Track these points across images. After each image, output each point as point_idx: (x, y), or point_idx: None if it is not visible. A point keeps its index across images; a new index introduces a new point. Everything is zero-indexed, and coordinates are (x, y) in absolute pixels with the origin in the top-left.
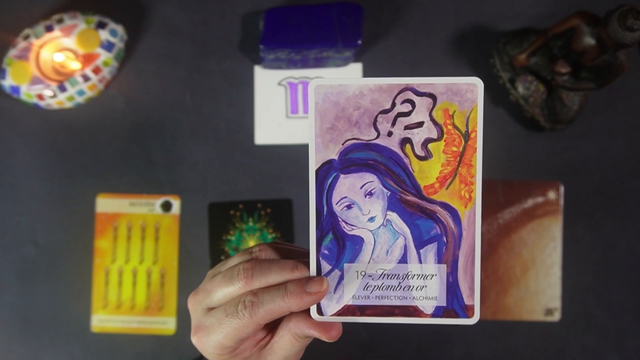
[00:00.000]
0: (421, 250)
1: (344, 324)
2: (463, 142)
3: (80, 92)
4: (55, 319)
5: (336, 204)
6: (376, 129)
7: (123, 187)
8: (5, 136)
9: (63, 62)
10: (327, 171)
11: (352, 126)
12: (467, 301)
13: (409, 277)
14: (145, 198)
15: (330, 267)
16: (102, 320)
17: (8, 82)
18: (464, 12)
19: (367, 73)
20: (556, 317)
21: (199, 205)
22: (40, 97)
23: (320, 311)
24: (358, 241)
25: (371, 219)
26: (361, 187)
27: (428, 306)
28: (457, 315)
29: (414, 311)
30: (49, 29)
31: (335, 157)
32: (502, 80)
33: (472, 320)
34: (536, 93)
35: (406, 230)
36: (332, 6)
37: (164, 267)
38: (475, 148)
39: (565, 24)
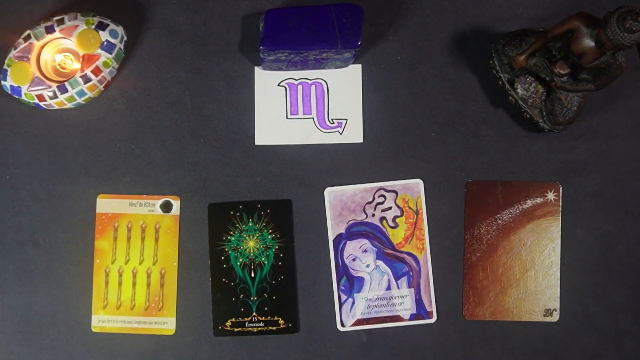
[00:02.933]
0: (398, 281)
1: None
2: (415, 217)
3: (81, 93)
4: (55, 319)
5: (346, 258)
6: (365, 213)
7: (123, 188)
8: (5, 136)
9: (63, 63)
10: (340, 240)
11: (351, 212)
12: (428, 308)
13: (393, 298)
14: (145, 199)
15: (346, 297)
16: (102, 321)
17: (9, 82)
18: (464, 13)
19: (367, 74)
20: (555, 317)
21: (199, 205)
22: (41, 97)
23: (342, 324)
24: (361, 280)
25: (367, 266)
26: (360, 247)
27: (406, 314)
28: (422, 318)
29: (397, 318)
30: (50, 30)
31: (344, 231)
32: (501, 81)
33: (432, 320)
34: (535, 94)
35: (388, 270)
36: (332, 7)
37: (163, 268)
38: (423, 219)
39: (564, 26)
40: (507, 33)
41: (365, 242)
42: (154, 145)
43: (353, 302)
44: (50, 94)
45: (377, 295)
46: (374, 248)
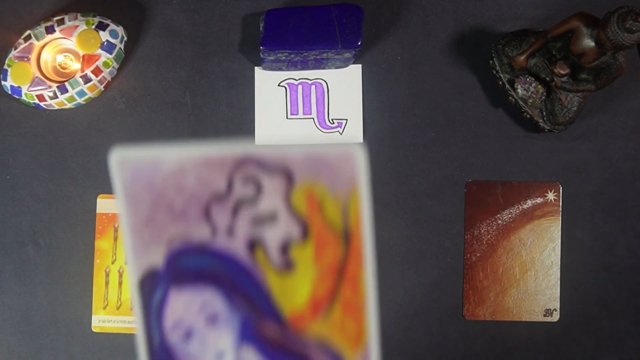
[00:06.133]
0: None
1: None
2: (342, 247)
3: (81, 93)
4: (56, 319)
5: (172, 330)
6: (211, 224)
7: None
8: (5, 137)
9: (64, 63)
10: (153, 284)
11: (176, 218)
12: None
13: None
14: None
15: None
16: (102, 321)
17: (9, 82)
18: (464, 13)
19: (367, 74)
20: (555, 317)
21: None
22: (41, 97)
23: None
24: None
25: (220, 356)
26: (200, 309)
27: None
28: None
29: None
30: (50, 30)
31: (161, 263)
32: (501, 81)
33: None
34: (535, 94)
35: None
36: (332, 7)
37: None
38: (363, 256)
39: (564, 26)
40: (507, 33)
41: (212, 298)
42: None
43: None
44: (51, 94)
45: None
46: (233, 314)
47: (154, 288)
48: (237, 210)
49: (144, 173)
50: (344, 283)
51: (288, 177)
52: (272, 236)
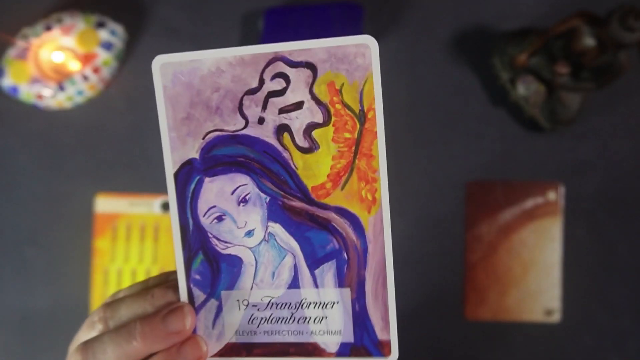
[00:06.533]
0: (316, 271)
1: None
2: (358, 126)
3: (80, 92)
4: (54, 319)
5: (204, 215)
6: (243, 116)
7: (122, 187)
8: (4, 136)
9: (62, 62)
10: (188, 174)
11: (212, 114)
12: (380, 335)
13: (304, 306)
14: (144, 198)
15: (204, 297)
16: None
17: (7, 81)
18: (464, 12)
19: None
20: (556, 317)
21: None
22: (40, 97)
23: None
24: (236, 262)
25: (249, 233)
26: (232, 193)
27: (331, 343)
28: (369, 354)
29: (313, 350)
30: (48, 28)
31: (196, 155)
32: (502, 80)
33: (389, 358)
34: (536, 93)
35: (294, 245)
36: (331, 6)
37: (163, 268)
38: (376, 132)
39: (565, 25)
40: (508, 32)
41: (244, 182)
42: (153, 145)
43: (219, 308)
44: (49, 93)
45: (271, 298)
46: (263, 195)
47: (189, 178)
48: (267, 103)
49: (183, 75)
50: (360, 157)
51: (312, 70)
52: (298, 122)
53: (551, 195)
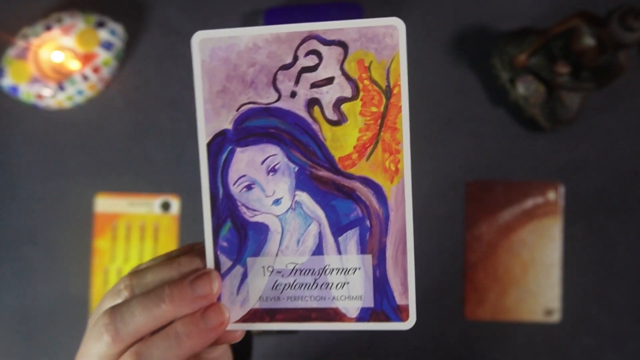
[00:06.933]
0: (340, 238)
1: None
2: (384, 100)
3: (80, 92)
4: (54, 319)
5: (233, 184)
6: (276, 90)
7: (122, 187)
8: (4, 136)
9: (62, 62)
10: (221, 144)
11: (247, 87)
12: (399, 300)
13: (327, 272)
14: (144, 198)
15: (230, 263)
16: None
17: (7, 81)
18: (464, 12)
19: None
20: (556, 317)
21: (199, 205)
22: (40, 96)
23: None
24: (262, 229)
25: (276, 202)
26: (262, 163)
27: (351, 308)
28: (387, 319)
29: (334, 315)
30: (48, 28)
31: (229, 126)
32: (502, 80)
33: (407, 325)
34: (536, 93)
35: (320, 213)
36: (331, 6)
37: None
38: (400, 107)
39: (565, 24)
40: (507, 32)
41: (274, 152)
42: (153, 144)
43: (244, 275)
44: (49, 93)
45: (295, 265)
46: (291, 165)
47: (221, 148)
48: (299, 78)
49: (221, 51)
50: (385, 130)
51: (344, 48)
52: (328, 96)
53: (551, 195)
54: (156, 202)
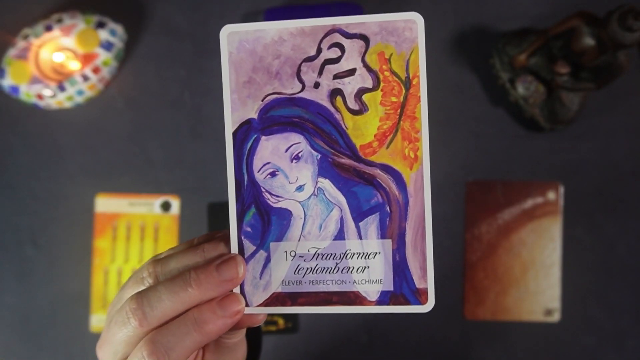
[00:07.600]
0: (360, 224)
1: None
2: (404, 91)
3: (80, 92)
4: (54, 319)
5: (258, 171)
6: (300, 80)
7: (122, 187)
8: (4, 136)
9: (62, 62)
10: (246, 133)
11: (272, 78)
12: (418, 284)
13: (348, 256)
14: (144, 198)
15: (254, 248)
16: (101, 320)
17: (7, 81)
18: (464, 12)
19: None
20: (556, 317)
21: (199, 205)
22: (40, 97)
23: (246, 302)
24: (285, 215)
25: (299, 188)
26: (286, 150)
27: (372, 291)
28: (407, 302)
29: (355, 298)
30: (49, 28)
31: (255, 115)
32: (502, 80)
33: (426, 308)
34: (536, 93)
35: (342, 199)
36: (331, 6)
37: None
38: (419, 97)
39: (565, 25)
40: (507, 32)
41: (298, 141)
42: (153, 145)
43: (267, 259)
44: (49, 93)
45: (317, 249)
46: (314, 153)
47: (247, 137)
48: (322, 69)
49: (248, 43)
50: (404, 119)
51: (365, 41)
52: (350, 87)
53: (551, 195)
54: (156, 202)
